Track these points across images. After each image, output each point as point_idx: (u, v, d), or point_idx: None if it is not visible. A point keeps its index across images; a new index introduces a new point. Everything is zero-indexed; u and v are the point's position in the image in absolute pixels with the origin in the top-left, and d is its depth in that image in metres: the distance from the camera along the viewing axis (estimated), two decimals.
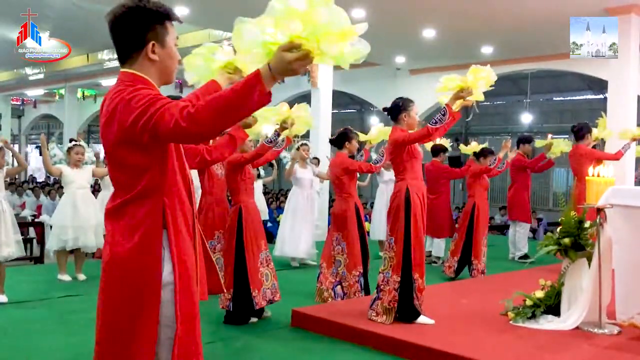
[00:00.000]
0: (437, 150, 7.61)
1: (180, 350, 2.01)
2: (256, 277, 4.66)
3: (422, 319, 4.39)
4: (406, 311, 4.40)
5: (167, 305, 1.98)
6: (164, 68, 2.05)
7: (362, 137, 5.49)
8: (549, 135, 8.23)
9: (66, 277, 6.43)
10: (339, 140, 5.54)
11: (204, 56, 2.56)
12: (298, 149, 7.74)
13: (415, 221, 4.37)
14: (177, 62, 2.10)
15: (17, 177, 18.98)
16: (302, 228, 7.56)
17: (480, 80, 4.12)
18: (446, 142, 7.81)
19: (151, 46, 2.00)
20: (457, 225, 7.41)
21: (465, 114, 7.72)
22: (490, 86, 4.33)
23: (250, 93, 1.76)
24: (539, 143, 8.16)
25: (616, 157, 7.01)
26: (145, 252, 1.97)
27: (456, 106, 4.33)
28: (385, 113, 4.74)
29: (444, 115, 4.16)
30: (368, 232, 6.99)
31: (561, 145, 8.07)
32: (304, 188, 7.78)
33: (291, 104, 4.67)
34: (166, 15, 2.02)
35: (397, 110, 4.57)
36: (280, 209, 11.53)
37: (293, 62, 1.74)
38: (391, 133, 4.62)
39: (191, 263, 2.06)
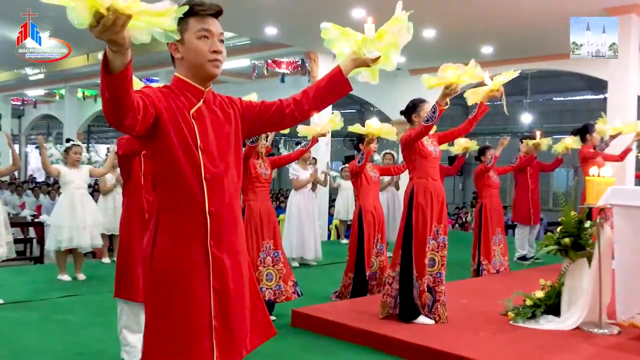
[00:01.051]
0: None
1: (154, 338, 2.02)
2: None
3: (421, 319, 4.40)
4: (406, 310, 4.42)
5: None
6: (192, 64, 2.03)
7: (359, 130, 5.48)
8: (538, 133, 8.04)
9: (66, 277, 6.43)
10: (356, 145, 5.78)
11: (343, 40, 2.33)
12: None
13: (417, 221, 4.41)
14: (210, 55, 2.00)
15: (17, 177, 19.00)
16: (308, 229, 7.60)
17: (463, 76, 4.07)
18: (472, 143, 7.51)
19: (173, 45, 2.01)
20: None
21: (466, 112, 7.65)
22: (515, 71, 4.40)
23: (101, 69, 1.63)
24: (526, 142, 8.06)
25: (593, 155, 7.04)
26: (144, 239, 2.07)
27: (482, 98, 4.48)
28: (403, 117, 4.82)
29: (433, 112, 4.23)
30: None
31: (565, 141, 7.86)
32: (304, 188, 7.80)
33: None
34: (187, 12, 1.90)
35: (407, 112, 4.69)
36: (280, 209, 11.51)
37: (90, 27, 1.51)
38: None
39: (180, 252, 1.99)
